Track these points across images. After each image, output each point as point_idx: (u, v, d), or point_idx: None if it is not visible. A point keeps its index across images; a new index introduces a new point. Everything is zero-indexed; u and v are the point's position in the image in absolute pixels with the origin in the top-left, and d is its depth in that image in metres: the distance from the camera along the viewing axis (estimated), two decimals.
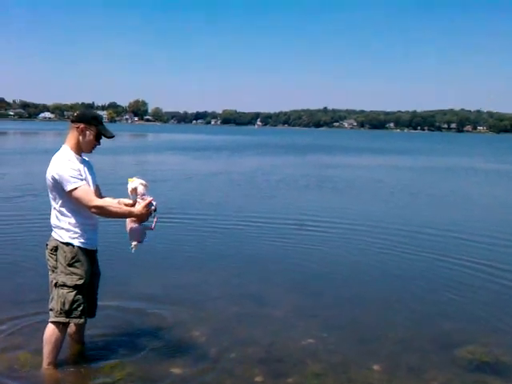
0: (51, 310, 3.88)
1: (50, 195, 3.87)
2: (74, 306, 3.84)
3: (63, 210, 3.82)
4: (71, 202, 3.77)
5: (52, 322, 3.87)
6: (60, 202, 3.81)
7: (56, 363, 3.93)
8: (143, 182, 3.93)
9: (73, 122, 3.89)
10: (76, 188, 3.71)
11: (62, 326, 3.87)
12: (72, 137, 3.90)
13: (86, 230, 3.88)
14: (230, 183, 17.51)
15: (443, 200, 14.95)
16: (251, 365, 4.24)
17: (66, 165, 3.75)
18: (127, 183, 3.95)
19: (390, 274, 7.17)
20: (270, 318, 5.30)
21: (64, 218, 3.84)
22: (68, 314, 3.83)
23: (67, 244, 3.84)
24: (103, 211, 3.80)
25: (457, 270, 7.33)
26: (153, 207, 3.91)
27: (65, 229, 3.84)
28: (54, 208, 3.87)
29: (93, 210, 3.76)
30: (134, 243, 3.97)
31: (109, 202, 3.90)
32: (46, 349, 3.89)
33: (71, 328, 4.11)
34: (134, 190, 3.91)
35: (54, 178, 3.75)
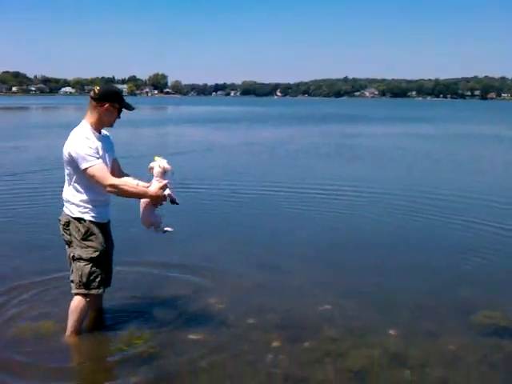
0: (72, 282, 3.98)
1: (66, 170, 3.91)
2: (92, 277, 3.91)
3: (77, 185, 3.87)
4: (85, 178, 3.81)
5: (75, 294, 3.97)
6: (74, 177, 3.86)
7: (78, 332, 4.03)
8: (164, 164, 3.90)
9: (96, 100, 3.86)
10: (92, 166, 3.73)
11: (85, 297, 3.95)
12: (94, 114, 3.89)
13: (97, 206, 3.91)
14: (250, 154, 17.50)
15: (467, 166, 14.77)
16: (268, 330, 4.29)
17: (83, 143, 3.76)
18: (150, 158, 3.99)
19: (411, 239, 7.18)
20: (288, 285, 5.35)
21: (77, 194, 3.89)
22: (87, 285, 3.91)
23: (79, 219, 3.90)
24: (118, 190, 3.79)
25: (478, 234, 7.34)
26: (168, 191, 3.90)
27: (75, 204, 3.89)
28: (68, 183, 3.92)
29: (108, 188, 3.77)
30: (152, 227, 3.99)
31: (124, 181, 3.88)
32: (71, 318, 3.99)
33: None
34: (151, 168, 3.91)
35: (70, 155, 3.78)
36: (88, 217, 3.90)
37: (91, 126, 3.89)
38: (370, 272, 5.82)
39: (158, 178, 3.89)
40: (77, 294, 3.96)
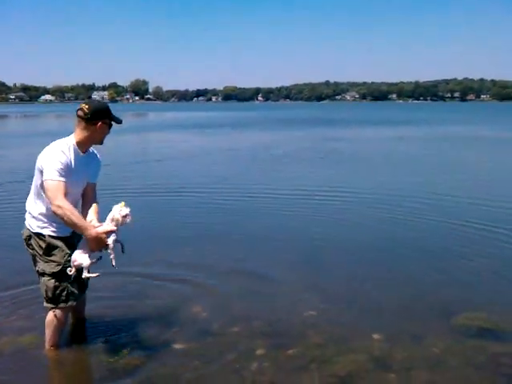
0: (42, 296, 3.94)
1: (34, 180, 3.81)
2: (58, 291, 3.82)
3: (39, 197, 3.79)
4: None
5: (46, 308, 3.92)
6: (38, 188, 3.76)
7: (57, 345, 3.97)
8: (120, 214, 3.64)
9: (87, 119, 3.75)
10: (50, 180, 3.60)
11: (53, 312, 3.87)
12: (84, 132, 3.79)
13: (57, 220, 3.72)
14: (233, 159, 17.47)
15: (449, 168, 14.90)
16: (253, 338, 4.28)
17: (55, 155, 3.66)
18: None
19: (393, 243, 7.17)
20: (272, 291, 5.33)
21: (37, 207, 3.81)
22: (54, 300, 3.84)
23: (38, 234, 3.82)
24: (63, 214, 3.56)
25: (459, 235, 7.38)
26: (110, 241, 3.63)
27: (35, 217, 3.82)
28: (33, 193, 3.84)
29: (53, 208, 3.59)
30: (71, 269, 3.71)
31: (71, 209, 3.60)
32: (47, 332, 3.94)
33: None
34: (111, 211, 3.68)
35: (40, 164, 3.70)
36: (47, 231, 3.80)
37: (77, 144, 3.80)
38: (353, 276, 5.83)
39: (108, 223, 3.66)
40: (47, 307, 3.91)
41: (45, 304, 3.89)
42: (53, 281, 3.80)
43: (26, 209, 3.90)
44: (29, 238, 3.87)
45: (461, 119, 53.01)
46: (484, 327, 4.50)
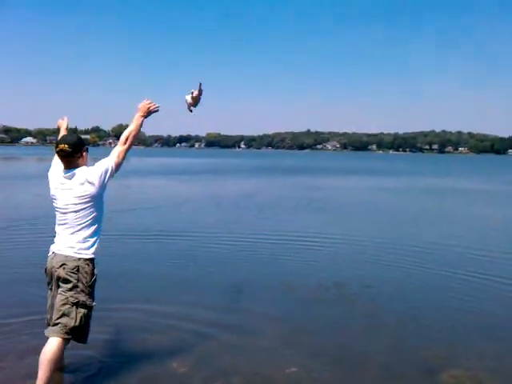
0: (55, 324, 3.81)
1: (72, 209, 3.94)
2: (86, 327, 3.93)
3: (89, 219, 3.97)
4: (99, 206, 4.04)
5: (57, 339, 3.79)
6: (89, 211, 3.96)
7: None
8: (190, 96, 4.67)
9: (75, 153, 3.97)
10: (107, 162, 4.05)
11: (65, 344, 3.85)
12: (80, 163, 4.02)
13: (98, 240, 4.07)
14: (216, 206, 17.42)
15: (429, 218, 15.01)
16: None
17: (98, 163, 4.04)
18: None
19: (373, 295, 7.10)
20: (253, 346, 5.20)
21: (85, 231, 3.96)
22: (78, 333, 3.86)
23: (90, 261, 3.95)
24: (131, 142, 4.21)
25: (442, 286, 7.36)
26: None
27: (87, 240, 3.96)
28: (75, 222, 3.95)
29: (127, 144, 4.19)
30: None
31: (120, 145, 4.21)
32: (50, 367, 3.72)
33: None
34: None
35: (90, 181, 3.92)
36: (92, 253, 3.99)
37: None
38: (334, 331, 5.75)
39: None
40: (62, 338, 3.79)
41: (64, 335, 3.78)
42: (89, 314, 3.92)
43: (65, 242, 3.96)
44: (77, 268, 3.88)
45: (439, 171, 53.91)
46: None
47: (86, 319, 3.90)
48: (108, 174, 4.01)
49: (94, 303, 3.96)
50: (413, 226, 13.72)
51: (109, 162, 4.05)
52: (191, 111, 4.71)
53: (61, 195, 3.98)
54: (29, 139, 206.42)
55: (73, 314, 3.82)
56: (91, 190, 3.93)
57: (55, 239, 4.05)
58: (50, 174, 4.18)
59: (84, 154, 4.06)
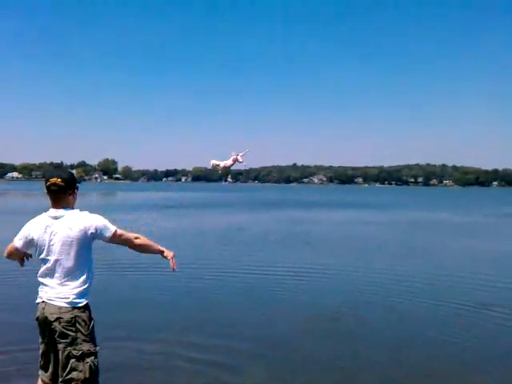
0: (68, 381, 3.62)
1: (62, 256, 3.65)
2: (98, 371, 3.69)
3: (79, 265, 3.69)
4: (89, 254, 3.78)
5: None
6: (78, 258, 3.67)
7: None
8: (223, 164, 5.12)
9: (68, 189, 3.75)
10: (116, 228, 3.80)
11: None
12: (71, 201, 3.81)
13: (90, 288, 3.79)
14: (204, 240, 17.32)
15: (415, 251, 15.03)
16: None
17: (100, 216, 3.81)
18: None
19: (360, 328, 7.04)
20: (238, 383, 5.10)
21: (77, 276, 3.68)
22: (91, 382, 3.63)
23: (85, 307, 3.69)
24: (143, 239, 3.98)
25: (420, 324, 7.31)
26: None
27: (80, 288, 3.68)
28: (66, 269, 3.67)
29: (137, 239, 3.92)
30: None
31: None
32: None
33: None
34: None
35: (87, 230, 3.67)
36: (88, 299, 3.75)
37: None
38: (318, 369, 5.61)
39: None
40: None
41: None
42: (96, 360, 3.67)
43: (57, 292, 3.66)
44: (73, 320, 3.62)
45: (424, 204, 54.34)
46: None
47: (95, 366, 3.67)
48: (104, 233, 3.74)
49: (97, 348, 3.72)
50: (399, 258, 13.71)
51: (112, 226, 3.81)
52: (218, 171, 5.01)
53: (46, 239, 3.68)
54: (14, 174, 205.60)
55: (80, 367, 3.61)
56: (80, 236, 3.67)
57: (42, 287, 3.74)
58: (25, 229, 3.82)
59: (75, 191, 3.84)
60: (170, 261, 4.03)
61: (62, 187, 3.72)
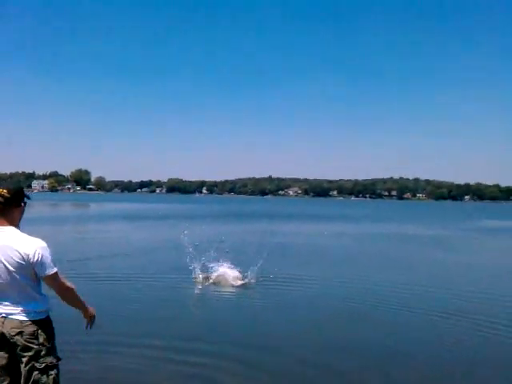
0: None
1: (9, 277, 3.42)
2: (59, 381, 3.57)
3: (31, 284, 3.47)
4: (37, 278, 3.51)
5: None
6: (26, 279, 3.45)
7: None
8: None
9: (12, 202, 3.48)
10: (56, 270, 3.49)
11: None
12: (13, 217, 3.52)
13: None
14: (176, 253, 16.93)
15: (393, 262, 14.92)
16: None
17: (47, 247, 3.49)
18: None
19: (354, 341, 6.81)
20: None
21: (31, 293, 3.48)
22: None
23: (47, 321, 3.54)
24: (73, 292, 3.62)
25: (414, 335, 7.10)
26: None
27: (39, 303, 3.51)
28: (17, 288, 3.45)
29: (68, 292, 3.58)
30: None
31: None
32: None
33: None
34: None
35: (29, 258, 3.40)
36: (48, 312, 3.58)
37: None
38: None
39: None
40: None
41: None
42: (58, 370, 3.56)
43: (15, 306, 3.46)
44: (35, 333, 3.45)
45: (398, 217, 54.90)
46: None
47: (58, 378, 3.54)
48: (43, 270, 3.44)
49: (59, 359, 3.58)
50: (380, 270, 13.57)
51: (54, 266, 3.49)
52: None
53: None
54: None
55: (44, 379, 3.47)
56: (21, 260, 3.40)
57: None
58: None
59: (23, 206, 3.57)
60: (87, 320, 3.77)
61: (8, 198, 3.45)
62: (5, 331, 3.43)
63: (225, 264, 11.56)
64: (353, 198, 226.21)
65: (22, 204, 3.57)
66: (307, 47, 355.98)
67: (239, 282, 10.91)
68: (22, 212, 3.60)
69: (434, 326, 7.94)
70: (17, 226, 3.54)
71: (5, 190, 3.45)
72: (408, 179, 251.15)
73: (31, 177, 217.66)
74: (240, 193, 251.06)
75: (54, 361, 3.54)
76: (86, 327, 3.77)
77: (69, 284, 3.59)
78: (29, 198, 3.65)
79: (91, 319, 3.76)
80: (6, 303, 3.48)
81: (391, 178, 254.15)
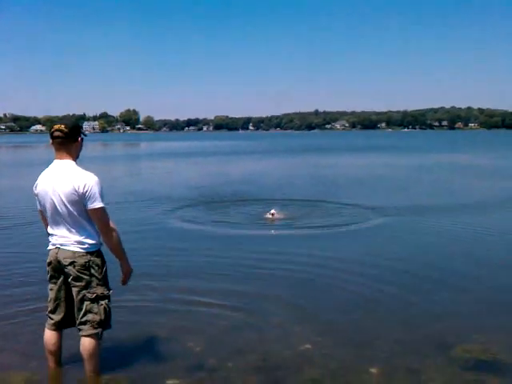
0: (84, 323, 3.80)
1: (64, 208, 3.71)
2: (109, 314, 3.90)
3: (84, 216, 3.75)
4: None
5: (91, 336, 3.81)
6: (79, 211, 3.73)
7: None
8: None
9: (70, 136, 3.77)
10: (104, 207, 3.76)
11: (98, 337, 3.84)
12: (72, 151, 3.82)
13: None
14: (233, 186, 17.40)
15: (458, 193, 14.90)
16: (248, 373, 4.20)
17: (98, 182, 3.74)
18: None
19: (381, 273, 7.06)
20: (266, 325, 5.23)
21: (85, 225, 3.77)
22: (105, 323, 3.86)
23: (98, 253, 3.83)
24: (114, 237, 3.84)
25: (449, 267, 7.36)
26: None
27: (91, 235, 3.79)
28: (71, 219, 3.74)
29: (111, 233, 3.80)
30: None
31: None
32: (94, 363, 3.87)
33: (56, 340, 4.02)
34: None
35: (81, 189, 3.66)
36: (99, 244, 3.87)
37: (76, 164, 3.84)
38: (346, 308, 5.74)
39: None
40: (90, 335, 3.81)
41: (94, 330, 3.79)
42: (110, 303, 3.88)
43: (67, 238, 3.77)
44: (87, 264, 3.76)
45: (453, 147, 53.50)
46: (482, 359, 4.44)
47: (109, 308, 3.87)
48: (88, 202, 3.69)
49: (111, 291, 3.90)
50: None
51: (101, 201, 3.74)
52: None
53: (48, 191, 3.75)
54: (38, 127, 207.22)
55: (95, 309, 3.79)
56: (74, 191, 3.68)
57: (52, 236, 3.86)
58: (34, 187, 3.90)
59: (79, 140, 3.85)
60: (123, 274, 3.99)
61: (66, 133, 3.76)
62: (60, 259, 3.77)
63: None
64: (405, 130, 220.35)
65: (80, 139, 3.84)
66: None
67: None
68: (80, 146, 3.88)
69: None
70: (74, 159, 3.83)
71: (63, 126, 3.75)
72: (460, 108, 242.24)
73: (82, 118, 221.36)
74: (286, 128, 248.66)
75: (105, 292, 3.83)
76: (122, 282, 3.99)
77: (113, 225, 3.83)
78: (85, 135, 3.96)
79: (128, 274, 3.99)
80: (60, 234, 3.79)
81: (442, 107, 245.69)
